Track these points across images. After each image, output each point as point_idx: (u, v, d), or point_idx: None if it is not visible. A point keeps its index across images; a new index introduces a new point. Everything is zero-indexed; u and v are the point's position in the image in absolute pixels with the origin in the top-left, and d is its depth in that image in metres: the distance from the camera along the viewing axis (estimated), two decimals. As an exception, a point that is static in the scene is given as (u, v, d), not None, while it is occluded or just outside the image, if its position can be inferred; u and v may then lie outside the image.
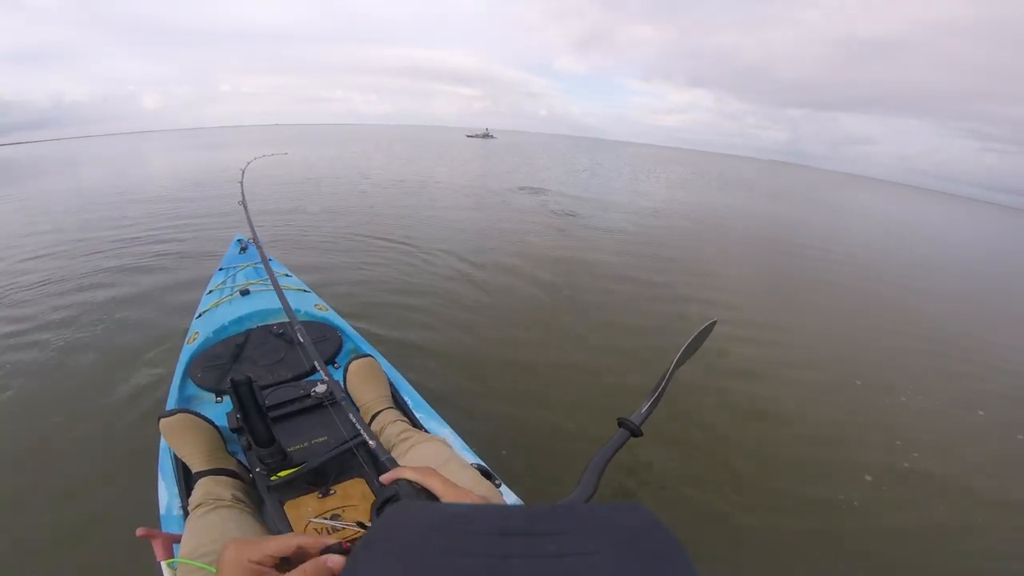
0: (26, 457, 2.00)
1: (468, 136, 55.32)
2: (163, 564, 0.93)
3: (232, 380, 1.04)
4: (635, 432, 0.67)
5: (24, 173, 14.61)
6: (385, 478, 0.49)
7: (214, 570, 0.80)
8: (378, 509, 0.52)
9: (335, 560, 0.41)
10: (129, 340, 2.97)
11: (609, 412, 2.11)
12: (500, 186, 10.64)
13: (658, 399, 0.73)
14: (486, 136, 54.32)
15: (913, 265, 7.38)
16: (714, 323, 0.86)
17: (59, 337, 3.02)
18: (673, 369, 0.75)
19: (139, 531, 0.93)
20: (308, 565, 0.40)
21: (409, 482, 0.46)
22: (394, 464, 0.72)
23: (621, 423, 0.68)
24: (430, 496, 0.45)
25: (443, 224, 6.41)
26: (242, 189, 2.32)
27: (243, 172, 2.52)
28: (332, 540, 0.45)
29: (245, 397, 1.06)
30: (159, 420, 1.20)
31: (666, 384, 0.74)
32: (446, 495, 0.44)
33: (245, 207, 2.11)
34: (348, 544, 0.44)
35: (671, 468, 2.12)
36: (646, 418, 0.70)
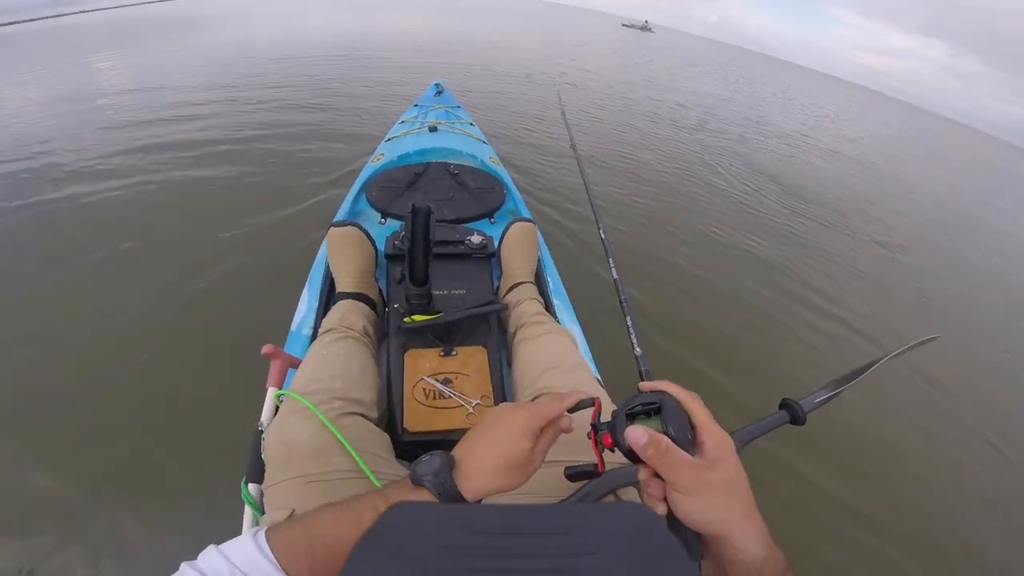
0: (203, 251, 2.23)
1: (624, 25, 49.35)
2: (270, 390, 0.88)
3: (414, 206, 0.96)
4: (797, 419, 0.59)
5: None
6: (647, 385, 0.47)
7: (319, 413, 0.75)
8: (628, 412, 0.45)
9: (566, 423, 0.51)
10: (325, 151, 3.42)
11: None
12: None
13: (839, 392, 0.64)
14: (644, 28, 47.58)
15: None
16: (936, 338, 0.79)
17: (259, 141, 3.55)
18: (872, 367, 0.67)
19: (265, 349, 0.90)
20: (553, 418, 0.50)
21: (675, 398, 0.45)
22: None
23: (785, 404, 0.61)
24: (691, 427, 0.44)
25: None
26: (560, 101, 2.26)
27: (557, 91, 2.72)
28: (582, 395, 0.51)
29: (419, 227, 0.98)
30: (330, 228, 1.20)
31: (859, 379, 0.66)
32: (704, 427, 0.43)
33: (564, 114, 2.00)
34: (597, 401, 0.50)
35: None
36: (818, 407, 0.62)
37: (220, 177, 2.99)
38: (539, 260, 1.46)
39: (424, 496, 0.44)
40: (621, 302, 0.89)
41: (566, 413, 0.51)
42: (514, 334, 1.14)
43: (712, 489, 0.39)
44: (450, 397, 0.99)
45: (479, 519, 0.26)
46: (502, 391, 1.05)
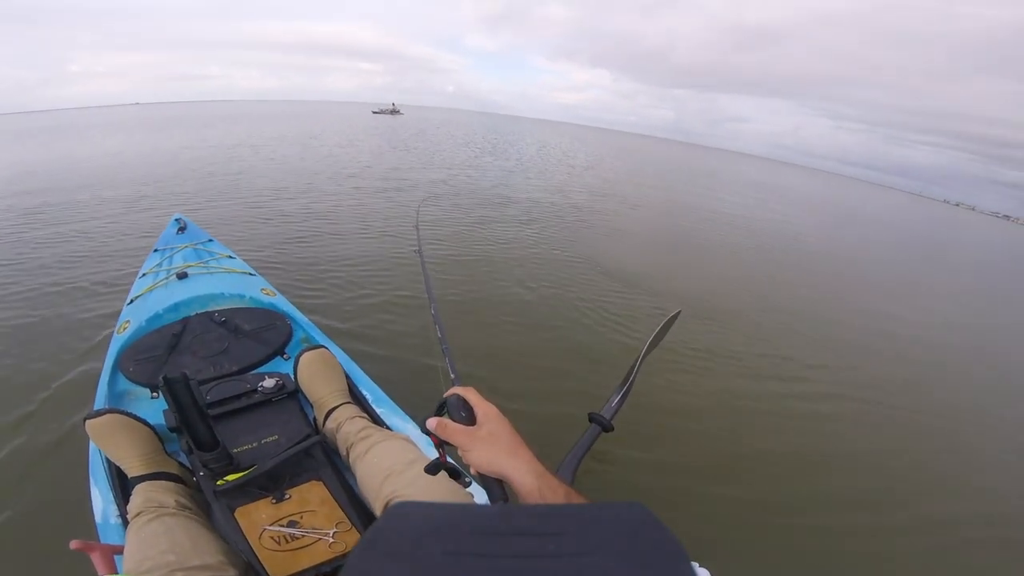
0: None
1: (374, 112, 51.30)
2: None
3: (164, 378, 0.95)
4: (606, 427, 0.66)
5: None
6: (447, 394, 0.60)
7: None
8: (434, 414, 0.58)
9: None
10: (51, 332, 2.71)
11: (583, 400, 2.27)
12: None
13: (628, 392, 0.72)
14: (394, 112, 51.04)
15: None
16: (678, 313, 0.86)
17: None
18: (640, 361, 0.74)
19: (73, 544, 0.83)
20: None
21: (458, 396, 0.58)
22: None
23: (592, 418, 0.67)
24: (467, 407, 0.57)
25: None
26: (418, 235, 2.10)
27: (417, 212, 2.30)
28: None
29: (181, 396, 0.97)
30: (85, 421, 1.10)
31: (635, 376, 0.73)
32: (476, 406, 0.56)
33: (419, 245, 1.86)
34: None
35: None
36: (617, 412, 0.69)
37: None
38: (348, 377, 1.45)
39: None
40: (440, 342, 0.90)
41: None
42: (347, 456, 1.16)
43: (480, 442, 0.53)
44: (303, 536, 0.98)
45: (481, 519, 0.25)
46: (363, 511, 1.05)
